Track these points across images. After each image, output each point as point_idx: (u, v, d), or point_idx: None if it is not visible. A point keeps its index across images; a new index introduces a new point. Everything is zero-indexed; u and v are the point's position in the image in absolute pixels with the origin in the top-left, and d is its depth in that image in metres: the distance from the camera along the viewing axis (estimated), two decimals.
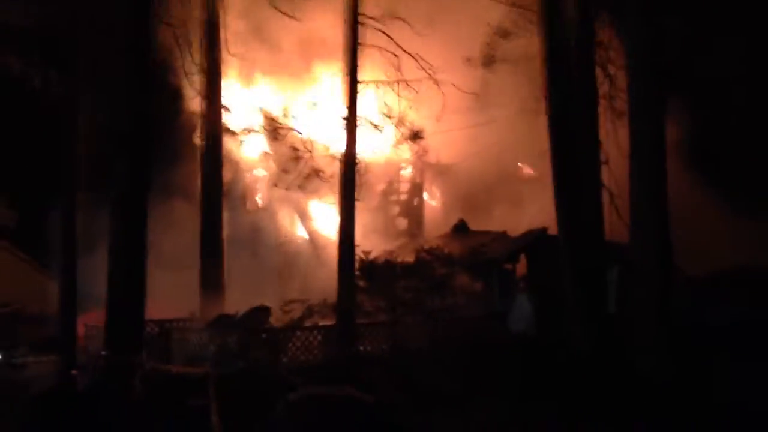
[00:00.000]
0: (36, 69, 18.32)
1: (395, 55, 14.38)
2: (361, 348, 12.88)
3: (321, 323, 13.19)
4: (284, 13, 17.19)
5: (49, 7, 16.94)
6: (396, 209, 22.83)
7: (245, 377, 10.88)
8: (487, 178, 21.37)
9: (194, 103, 19.21)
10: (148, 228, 21.82)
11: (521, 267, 18.36)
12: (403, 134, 14.32)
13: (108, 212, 10.45)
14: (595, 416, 11.77)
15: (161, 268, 21.64)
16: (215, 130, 18.17)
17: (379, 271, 13.76)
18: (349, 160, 14.03)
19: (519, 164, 22.90)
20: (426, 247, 14.87)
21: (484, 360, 13.10)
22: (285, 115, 16.24)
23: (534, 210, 19.39)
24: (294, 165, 16.49)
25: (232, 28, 18.39)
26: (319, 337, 12.61)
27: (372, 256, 14.40)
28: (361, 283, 13.91)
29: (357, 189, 14.84)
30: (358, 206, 18.28)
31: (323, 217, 21.63)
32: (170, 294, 19.78)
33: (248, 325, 12.80)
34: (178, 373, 9.68)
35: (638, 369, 13.24)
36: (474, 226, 20.55)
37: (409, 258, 15.54)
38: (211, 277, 18.30)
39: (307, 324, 12.63)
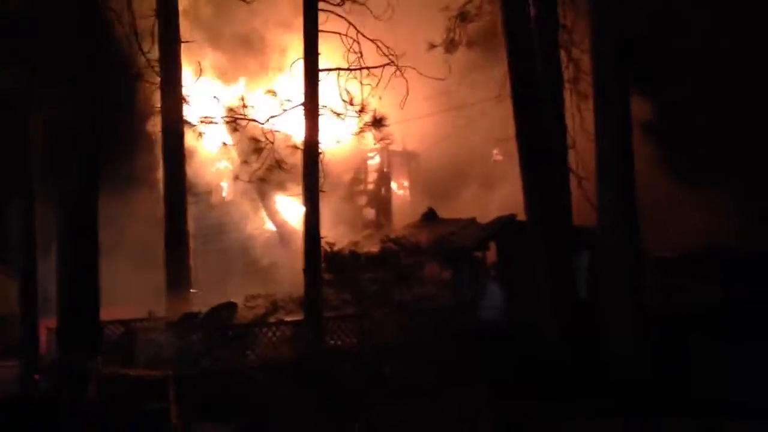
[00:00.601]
0: None
1: (356, 42, 14.03)
2: (331, 342, 12.59)
3: (287, 318, 12.85)
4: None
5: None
6: (363, 199, 22.50)
7: (209, 378, 10.56)
8: (456, 164, 21.16)
9: (154, 95, 18.67)
10: (112, 225, 21.62)
11: (491, 254, 18.19)
12: (366, 123, 13.96)
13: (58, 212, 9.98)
14: (562, 401, 11.65)
15: (128, 265, 21.32)
16: (176, 122, 17.62)
17: (344, 262, 13.44)
18: (311, 150, 13.66)
19: (492, 151, 22.73)
20: (392, 236, 14.56)
21: (455, 350, 12.92)
22: (245, 106, 15.74)
23: (504, 196, 19.22)
24: (256, 157, 16.03)
25: (190, 15, 17.84)
26: (287, 333, 12.28)
27: (338, 247, 14.05)
28: (326, 276, 13.58)
29: (321, 179, 14.47)
30: (325, 197, 17.89)
31: (289, 209, 21.28)
32: (138, 292, 19.38)
33: (213, 323, 12.41)
34: (137, 376, 9.32)
35: (608, 352, 13.16)
36: (444, 213, 20.32)
37: (376, 248, 15.23)
38: (177, 274, 17.80)
39: (272, 319, 12.28)
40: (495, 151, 21.23)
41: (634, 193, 13.87)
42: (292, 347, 12.14)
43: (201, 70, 17.59)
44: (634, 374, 12.58)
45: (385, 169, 22.65)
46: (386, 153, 21.89)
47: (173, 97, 17.65)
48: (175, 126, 17.43)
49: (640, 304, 13.25)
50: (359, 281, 13.14)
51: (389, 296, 13.27)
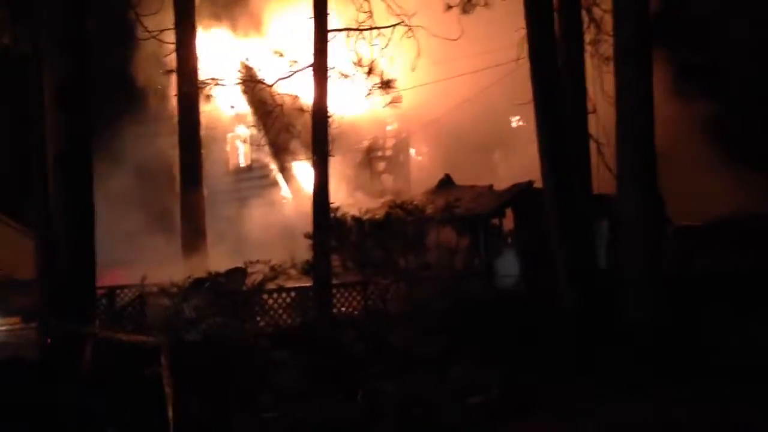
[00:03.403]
0: (4, 24, 17.63)
1: (366, 1, 13.58)
2: (334, 310, 12.34)
3: (287, 284, 12.62)
4: None
5: None
6: (381, 166, 22.16)
7: (208, 344, 10.38)
8: (475, 130, 20.72)
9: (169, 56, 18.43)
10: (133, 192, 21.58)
11: (508, 222, 17.80)
12: (375, 85, 13.58)
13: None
14: (576, 374, 11.30)
15: (146, 228, 21.33)
16: (191, 85, 17.38)
17: (348, 228, 13.12)
18: (320, 113, 13.32)
19: (511, 117, 22.22)
20: (399, 202, 14.21)
21: (466, 319, 12.59)
22: (259, 69, 15.46)
23: (524, 162, 18.75)
24: (267, 120, 15.77)
25: None
26: (288, 300, 12.04)
27: (344, 212, 13.72)
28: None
29: (332, 144, 14.15)
30: (342, 164, 17.66)
31: (305, 175, 21.00)
32: (158, 254, 19.35)
33: (217, 289, 12.22)
34: (131, 342, 9.14)
35: (626, 324, 12.74)
36: (462, 180, 19.95)
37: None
38: (192, 240, 17.76)
39: (272, 285, 12.05)
40: (515, 117, 20.74)
41: (654, 160, 13.31)
42: (296, 314, 11.91)
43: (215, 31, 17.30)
44: (651, 345, 12.15)
45: (403, 135, 22.30)
46: (405, 119, 21.51)
47: (188, 61, 17.45)
48: (191, 89, 17.21)
49: (658, 274, 12.76)
50: (363, 248, 12.83)
51: (395, 264, 12.95)
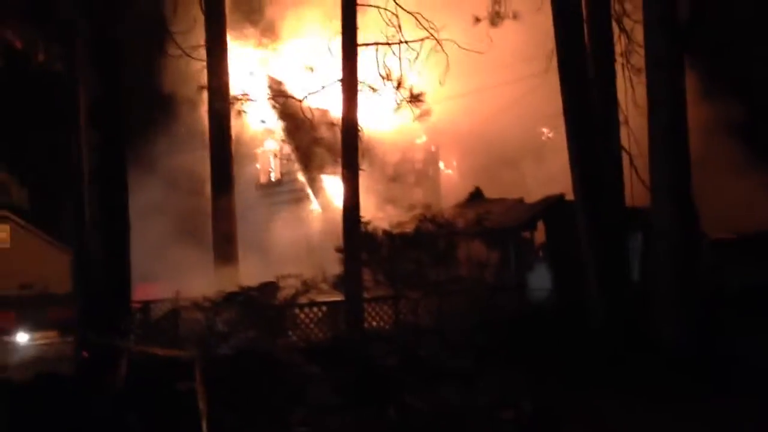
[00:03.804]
0: (39, 43, 18.00)
1: (395, 15, 13.63)
2: (365, 324, 12.33)
3: (319, 298, 12.64)
4: None
5: None
6: (411, 179, 22.17)
7: (241, 358, 10.42)
8: (505, 143, 20.65)
9: (200, 74, 18.66)
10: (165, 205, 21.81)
11: (539, 235, 17.67)
12: (405, 99, 13.61)
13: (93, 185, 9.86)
14: (609, 388, 11.15)
15: (179, 242, 21.52)
16: (222, 103, 17.57)
17: (378, 242, 13.13)
18: (349, 126, 13.36)
19: (541, 129, 22.12)
20: (429, 215, 14.18)
21: (496, 333, 12.51)
22: (288, 84, 15.58)
23: (554, 174, 18.64)
24: (299, 135, 15.89)
25: None
26: (319, 315, 12.04)
27: (375, 226, 13.73)
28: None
29: (362, 158, 14.19)
30: (372, 177, 17.64)
31: (335, 189, 21.08)
32: (192, 268, 19.50)
33: (250, 303, 12.29)
34: (165, 356, 9.21)
35: (658, 339, 12.57)
36: (492, 193, 19.88)
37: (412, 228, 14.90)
38: (224, 246, 17.87)
39: (304, 299, 12.07)
40: (545, 129, 20.64)
41: (689, 171, 13.13)
42: (327, 328, 11.92)
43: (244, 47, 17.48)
44: (684, 361, 11.96)
45: (432, 149, 22.29)
46: (434, 132, 21.51)
47: (219, 76, 17.64)
48: (221, 108, 17.39)
49: (693, 286, 12.56)
50: (394, 262, 12.82)
51: (426, 277, 12.91)
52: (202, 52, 17.89)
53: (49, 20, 16.46)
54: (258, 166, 23.68)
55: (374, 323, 12.44)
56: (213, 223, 18.01)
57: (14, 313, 24.17)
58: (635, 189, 15.16)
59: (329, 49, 14.36)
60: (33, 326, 23.22)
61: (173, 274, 19.62)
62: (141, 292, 15.72)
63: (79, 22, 9.49)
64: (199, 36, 17.81)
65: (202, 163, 19.20)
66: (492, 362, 11.13)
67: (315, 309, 12.20)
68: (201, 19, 17.71)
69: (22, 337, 21.90)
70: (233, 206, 18.05)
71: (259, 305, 11.62)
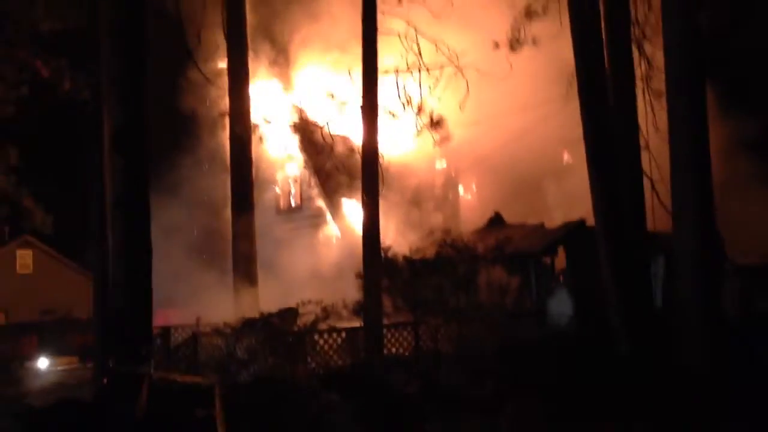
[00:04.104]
0: (64, 72, 18.31)
1: (416, 42, 13.72)
2: (384, 350, 12.26)
3: (339, 325, 12.61)
4: None
5: (72, 10, 16.90)
6: (431, 204, 22.14)
7: (260, 385, 10.39)
8: (525, 168, 20.58)
9: (221, 100, 18.86)
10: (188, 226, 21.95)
11: (560, 261, 17.55)
12: (425, 124, 13.66)
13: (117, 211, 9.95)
14: (633, 416, 10.97)
15: (200, 268, 21.61)
16: (244, 130, 17.70)
17: (399, 268, 13.10)
18: (370, 152, 13.40)
19: (562, 154, 22.05)
20: (448, 240, 14.14)
21: (517, 361, 12.38)
22: (309, 111, 15.68)
23: (575, 199, 18.54)
24: (320, 160, 15.95)
25: (249, 21, 17.96)
26: (339, 341, 11.99)
27: (395, 252, 13.70)
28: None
29: (383, 183, 14.21)
30: (391, 202, 17.62)
31: (356, 214, 21.11)
32: (212, 294, 19.56)
33: (269, 330, 12.29)
34: (184, 383, 9.21)
35: (684, 366, 12.37)
36: (512, 218, 19.78)
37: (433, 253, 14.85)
38: (245, 278, 17.89)
39: (324, 326, 12.04)
40: (565, 155, 20.57)
41: (711, 196, 13.01)
42: (347, 355, 11.88)
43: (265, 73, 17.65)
44: (711, 388, 11.75)
45: (452, 174, 22.28)
46: (453, 156, 21.52)
47: (240, 104, 17.81)
48: (243, 134, 17.51)
49: (716, 313, 12.38)
50: (414, 287, 12.77)
51: (446, 303, 12.85)
52: (224, 78, 18.10)
53: (78, 51, 16.78)
54: (278, 190, 23.76)
55: (393, 349, 12.38)
56: (233, 246, 18.07)
57: (36, 338, 24.33)
58: (657, 214, 15.04)
59: (350, 74, 14.43)
60: (54, 352, 23.38)
61: (193, 297, 19.69)
62: (161, 317, 15.77)
63: (109, 60, 9.63)
64: (221, 60, 18.01)
65: (223, 186, 19.33)
66: (513, 391, 11.00)
67: (334, 335, 12.17)
68: (223, 44, 17.93)
69: (42, 363, 22.03)
70: (253, 230, 18.11)
71: (279, 332, 11.59)
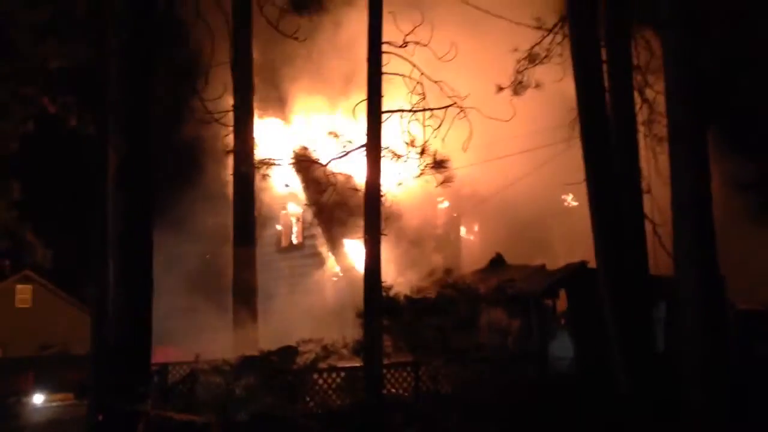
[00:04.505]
0: (71, 108, 18.47)
1: (420, 83, 13.87)
2: (384, 391, 12.15)
3: (339, 364, 12.51)
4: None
5: (79, 47, 17.10)
6: (432, 244, 22.12)
7: (258, 424, 10.29)
8: (527, 209, 20.64)
9: (223, 137, 18.96)
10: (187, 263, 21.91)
11: (561, 303, 17.49)
12: (427, 165, 13.75)
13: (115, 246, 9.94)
14: None
15: (200, 303, 21.53)
16: (247, 168, 17.77)
17: (400, 308, 13.05)
18: (372, 191, 13.44)
19: (563, 196, 22.15)
20: (450, 281, 14.11)
21: (518, 404, 12.27)
22: (312, 149, 15.77)
23: (577, 241, 18.55)
24: (322, 200, 15.99)
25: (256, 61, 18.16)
26: (338, 381, 11.89)
27: (394, 291, 13.66)
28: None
29: (385, 222, 14.21)
30: (392, 242, 17.61)
31: (357, 253, 21.09)
32: (211, 332, 19.46)
33: (267, 368, 12.20)
34: (181, 420, 9.11)
35: (687, 410, 12.24)
36: (514, 259, 19.76)
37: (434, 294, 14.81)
38: (245, 315, 17.80)
39: (324, 365, 11.95)
40: (568, 197, 20.64)
41: (713, 239, 12.98)
42: (346, 395, 11.77)
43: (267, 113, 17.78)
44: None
45: (454, 214, 22.31)
46: (455, 197, 21.58)
47: (245, 142, 17.91)
48: (246, 172, 17.57)
49: (719, 357, 12.28)
50: (415, 328, 12.71)
51: (447, 344, 12.77)
52: (230, 115, 18.22)
53: (86, 88, 16.95)
54: (279, 227, 23.79)
55: (393, 390, 12.26)
56: (233, 282, 18.01)
57: (33, 373, 24.18)
58: (659, 258, 15.02)
59: (354, 114, 14.55)
60: (50, 387, 23.23)
61: (192, 333, 19.60)
62: (160, 354, 15.68)
63: (114, 85, 9.73)
64: (228, 96, 18.13)
65: (224, 222, 19.34)
66: None
67: (333, 375, 12.08)
68: (230, 84, 18.09)
69: (38, 399, 21.85)
70: (254, 267, 18.07)
71: (278, 370, 11.50)
